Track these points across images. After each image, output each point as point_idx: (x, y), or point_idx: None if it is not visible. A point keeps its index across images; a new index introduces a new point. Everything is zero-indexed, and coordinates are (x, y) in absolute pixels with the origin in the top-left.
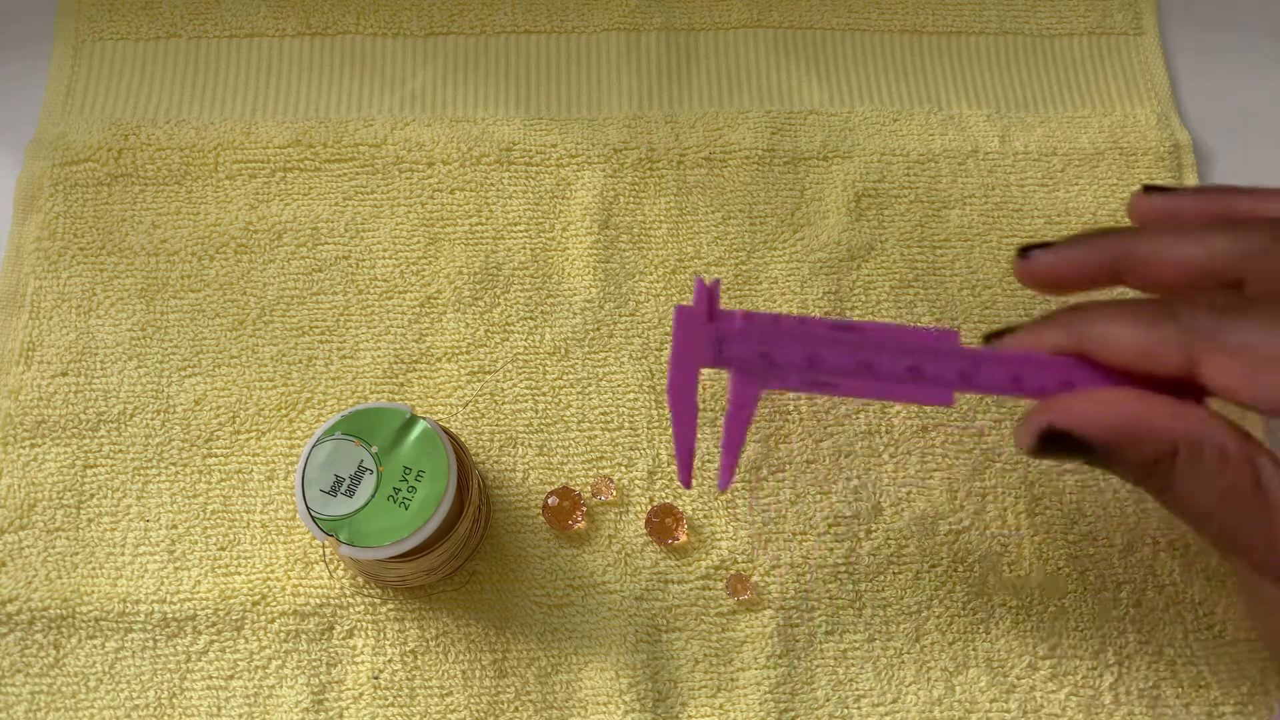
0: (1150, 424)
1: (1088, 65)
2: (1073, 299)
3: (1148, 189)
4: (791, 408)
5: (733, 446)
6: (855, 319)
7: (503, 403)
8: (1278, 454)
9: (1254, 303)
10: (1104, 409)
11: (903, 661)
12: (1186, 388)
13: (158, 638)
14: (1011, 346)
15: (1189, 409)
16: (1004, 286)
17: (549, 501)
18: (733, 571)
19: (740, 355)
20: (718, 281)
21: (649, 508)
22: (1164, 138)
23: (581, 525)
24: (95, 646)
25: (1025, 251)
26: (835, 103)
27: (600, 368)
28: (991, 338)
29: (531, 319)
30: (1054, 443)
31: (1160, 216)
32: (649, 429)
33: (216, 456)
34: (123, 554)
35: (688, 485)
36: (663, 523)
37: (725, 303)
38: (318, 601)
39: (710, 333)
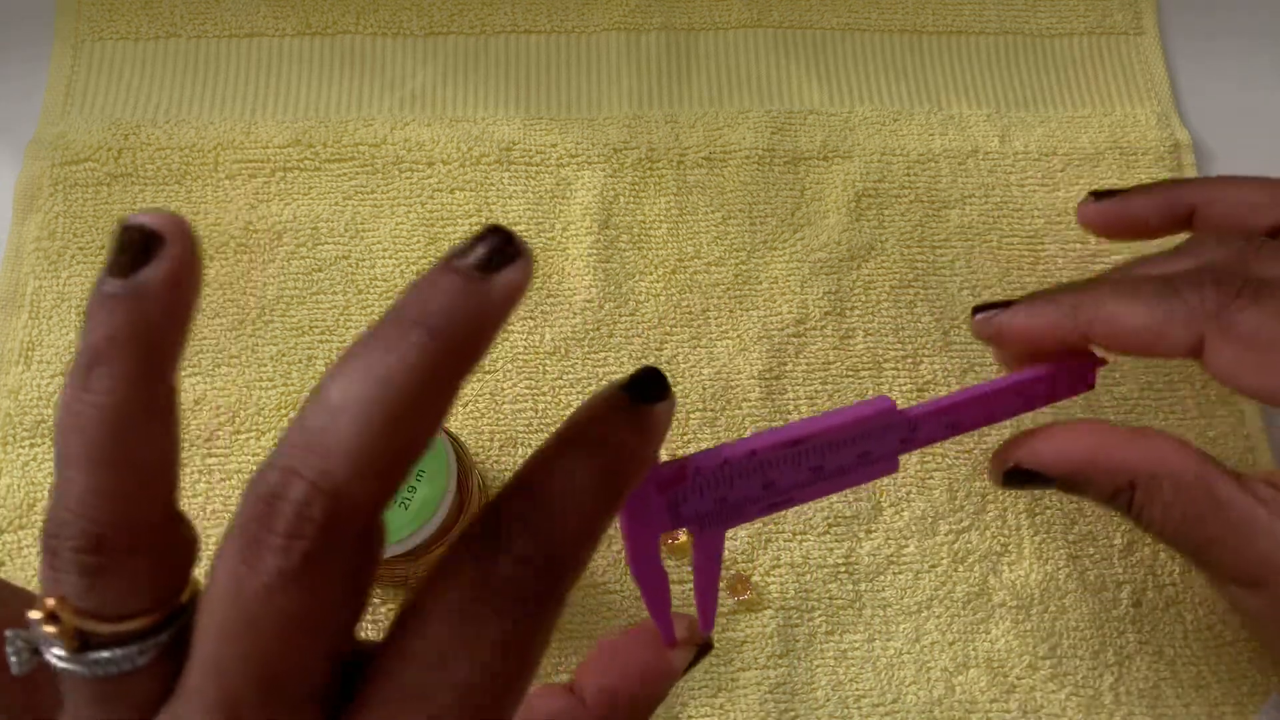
0: (1108, 461)
1: (1088, 65)
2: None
3: (1096, 195)
4: (791, 407)
5: (709, 591)
6: (800, 416)
7: (503, 403)
8: (1238, 472)
9: (1266, 289)
10: (1063, 448)
11: (903, 661)
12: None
13: None
14: (1008, 322)
15: (1147, 440)
16: (1004, 286)
17: None
18: (733, 571)
19: (698, 511)
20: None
21: None
22: (1164, 137)
23: None
24: None
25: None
26: (835, 103)
27: (600, 368)
28: (981, 310)
29: (531, 319)
30: (1020, 479)
31: (1116, 223)
32: None
33: (216, 456)
34: None
35: (671, 644)
36: None
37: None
38: None
39: (661, 503)
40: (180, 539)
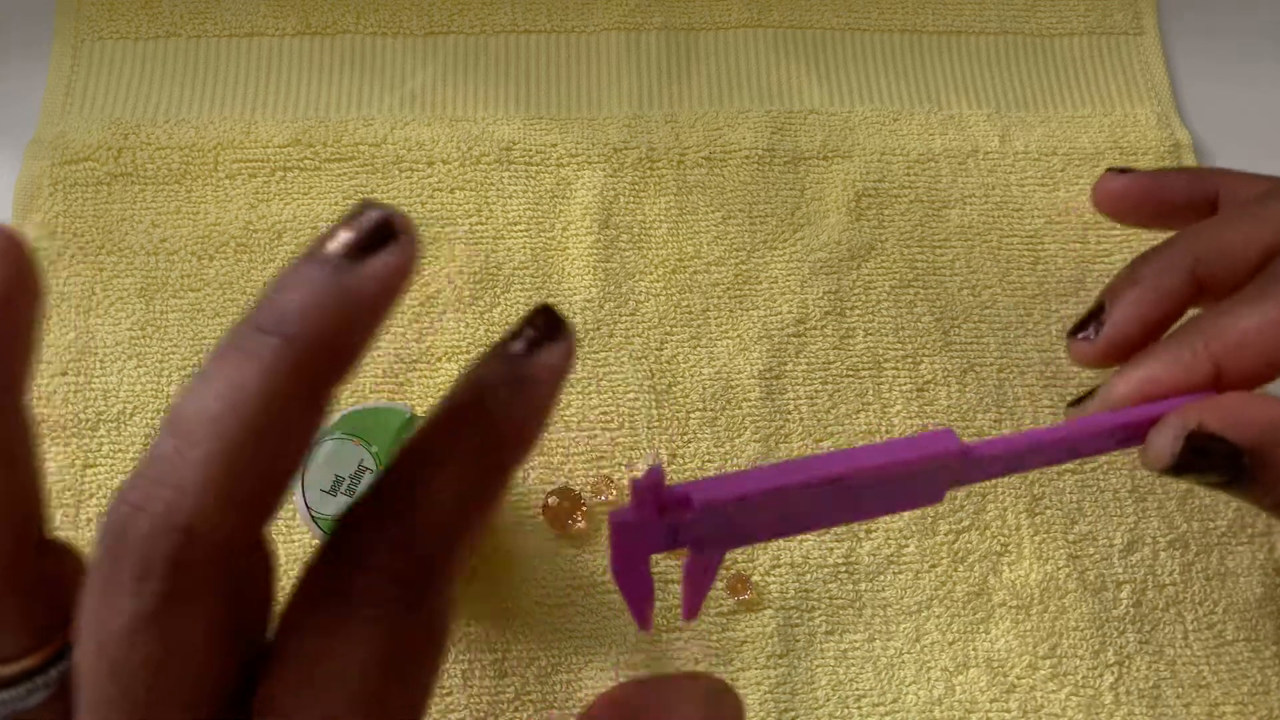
0: None
1: (1088, 65)
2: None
3: (1118, 170)
4: (791, 407)
5: (698, 595)
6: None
7: None
8: None
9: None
10: (1251, 408)
11: (903, 661)
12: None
13: None
14: (1119, 396)
15: None
16: (1004, 286)
17: (549, 501)
18: (733, 571)
19: (699, 536)
20: (658, 469)
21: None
22: (1164, 137)
23: (581, 525)
24: None
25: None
26: (835, 103)
27: (600, 368)
28: (1079, 401)
29: None
30: (1200, 450)
31: (1144, 200)
32: (649, 429)
33: None
34: None
35: (646, 629)
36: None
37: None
38: None
39: (660, 527)
40: (54, 573)
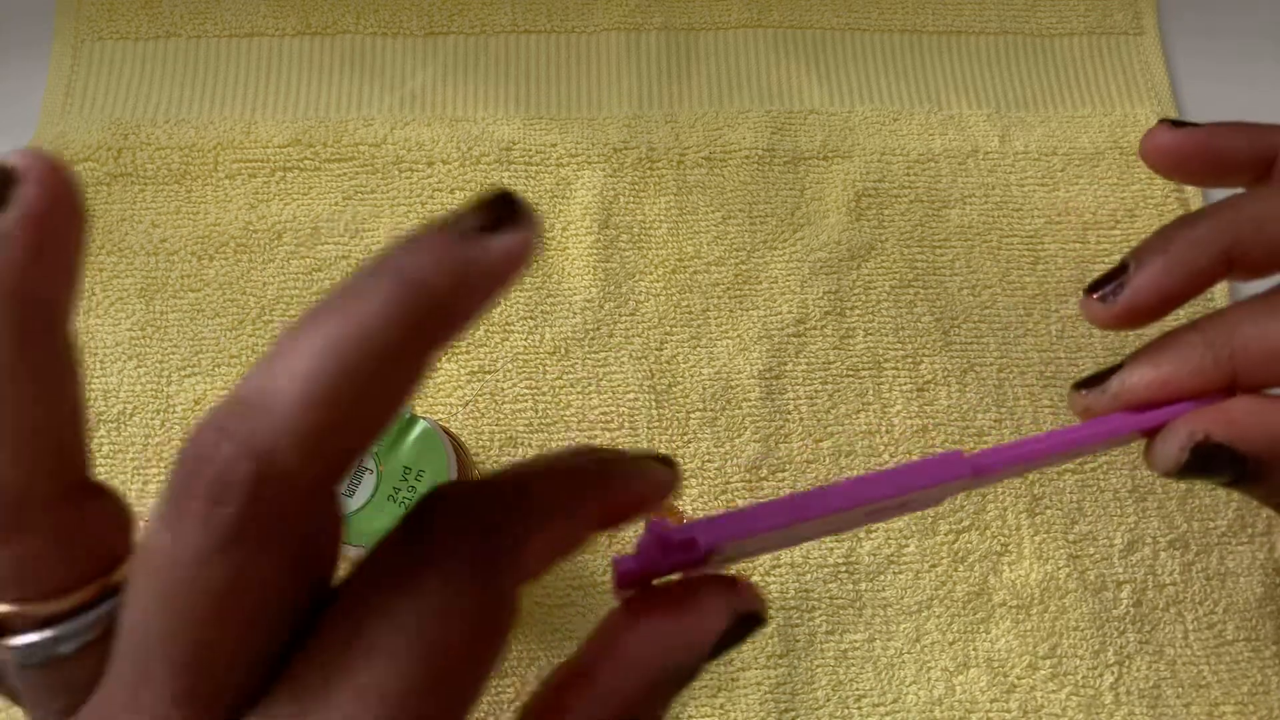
0: None
1: (1088, 65)
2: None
3: (1171, 123)
4: (791, 407)
5: None
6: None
7: (503, 403)
8: None
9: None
10: (1260, 418)
11: (903, 661)
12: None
13: None
14: (1133, 385)
15: None
16: (1004, 286)
17: None
18: (732, 572)
19: (698, 561)
20: (659, 524)
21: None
22: None
23: None
24: None
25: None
26: (835, 103)
27: (600, 368)
28: (1085, 385)
29: (531, 318)
30: (1206, 459)
31: (1199, 154)
32: (649, 429)
33: None
34: None
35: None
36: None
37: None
38: None
39: (663, 569)
40: (95, 515)
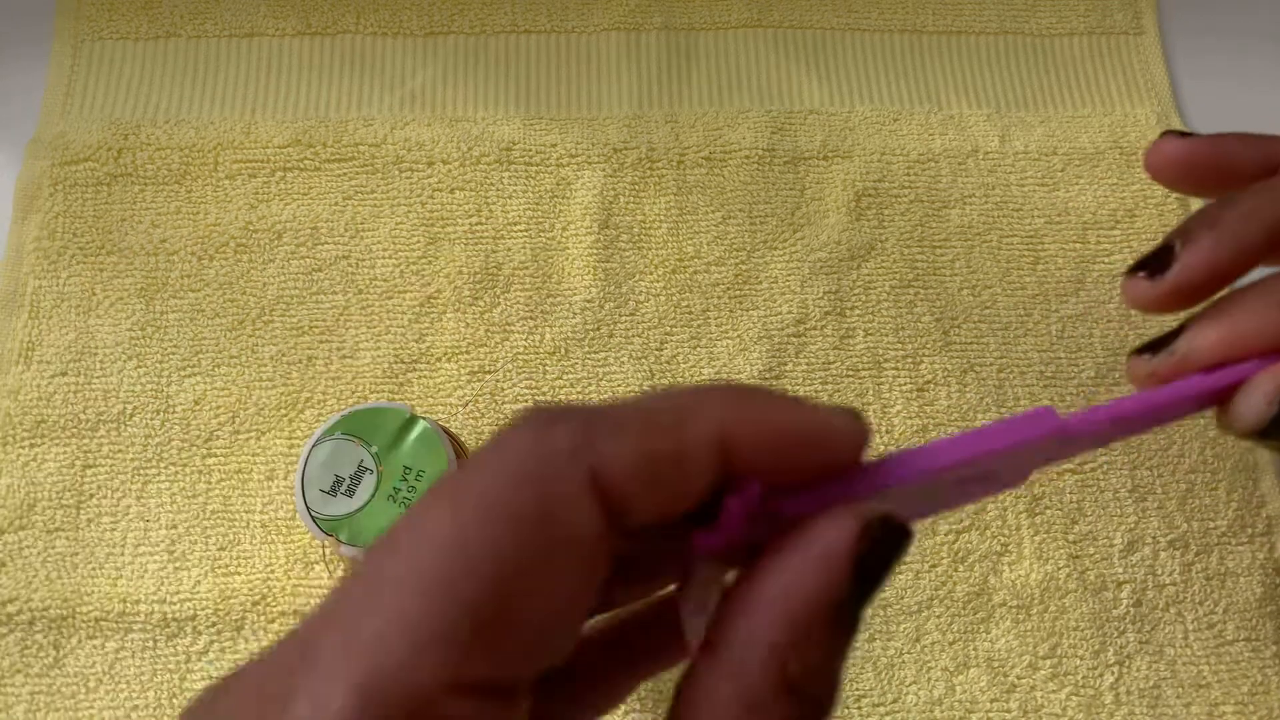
0: None
1: (1088, 65)
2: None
3: (1175, 133)
4: None
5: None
6: (937, 443)
7: (503, 403)
8: None
9: None
10: None
11: (903, 661)
12: None
13: (158, 638)
14: (1201, 345)
15: None
16: (1004, 286)
17: None
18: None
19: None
20: (756, 486)
21: None
22: None
23: None
24: (95, 647)
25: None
26: (835, 103)
27: (600, 368)
28: (1147, 349)
29: (531, 319)
30: None
31: (1206, 163)
32: None
33: (216, 456)
34: (123, 554)
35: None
36: None
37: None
38: (318, 601)
39: (750, 536)
40: None
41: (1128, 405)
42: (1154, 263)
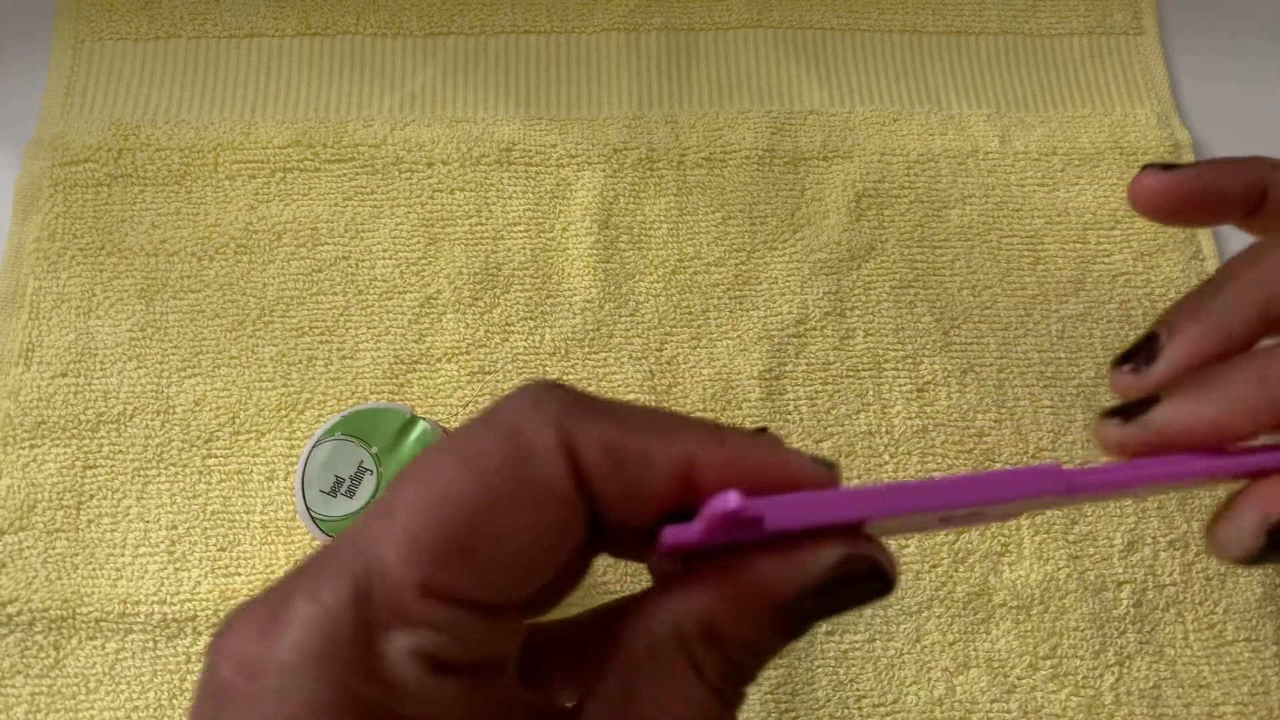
0: None
1: (1088, 65)
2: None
3: (1158, 167)
4: (792, 408)
5: None
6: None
7: None
8: None
9: None
10: None
11: (903, 661)
12: None
13: (158, 639)
14: (1179, 422)
15: None
16: (1004, 286)
17: None
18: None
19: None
20: (735, 496)
21: None
22: (1164, 137)
23: None
24: (95, 648)
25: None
26: (835, 103)
27: (600, 368)
28: (1118, 414)
29: (531, 319)
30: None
31: (1193, 197)
32: None
33: (216, 457)
34: (123, 555)
35: None
36: None
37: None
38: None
39: (726, 540)
40: None
41: (1144, 473)
42: (1137, 355)
